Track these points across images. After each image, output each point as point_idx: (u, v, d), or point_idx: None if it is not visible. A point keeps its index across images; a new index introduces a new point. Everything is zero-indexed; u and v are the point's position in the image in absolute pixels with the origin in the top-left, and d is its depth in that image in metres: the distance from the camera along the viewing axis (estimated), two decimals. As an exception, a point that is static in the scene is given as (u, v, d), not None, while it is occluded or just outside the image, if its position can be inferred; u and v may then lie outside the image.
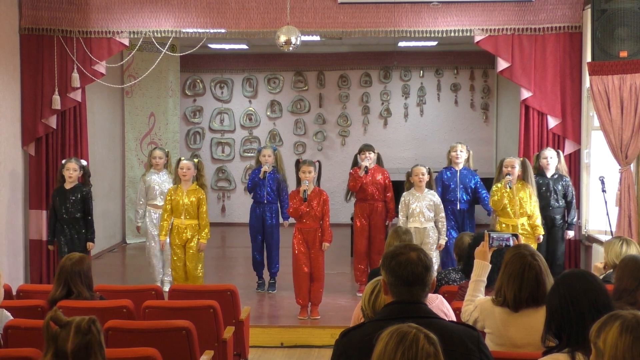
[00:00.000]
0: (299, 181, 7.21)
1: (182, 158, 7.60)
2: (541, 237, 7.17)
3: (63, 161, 7.53)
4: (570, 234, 7.59)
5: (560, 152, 7.68)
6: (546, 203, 7.39)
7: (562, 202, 7.49)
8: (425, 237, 7.27)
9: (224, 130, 13.15)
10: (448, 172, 7.82)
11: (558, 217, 7.51)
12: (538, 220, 7.16)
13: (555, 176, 7.50)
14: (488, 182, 7.96)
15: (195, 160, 7.58)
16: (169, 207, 7.41)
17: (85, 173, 7.52)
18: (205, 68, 13.03)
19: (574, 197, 7.57)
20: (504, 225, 7.17)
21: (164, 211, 7.47)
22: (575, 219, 7.59)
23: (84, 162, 7.62)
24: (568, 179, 7.56)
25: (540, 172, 7.52)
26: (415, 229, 7.14)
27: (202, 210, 7.37)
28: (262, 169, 7.89)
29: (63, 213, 7.34)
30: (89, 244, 7.44)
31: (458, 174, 7.77)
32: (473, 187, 7.79)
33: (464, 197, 7.75)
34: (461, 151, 7.80)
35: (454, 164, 7.83)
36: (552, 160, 7.49)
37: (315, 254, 7.14)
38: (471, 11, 7.94)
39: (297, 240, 7.15)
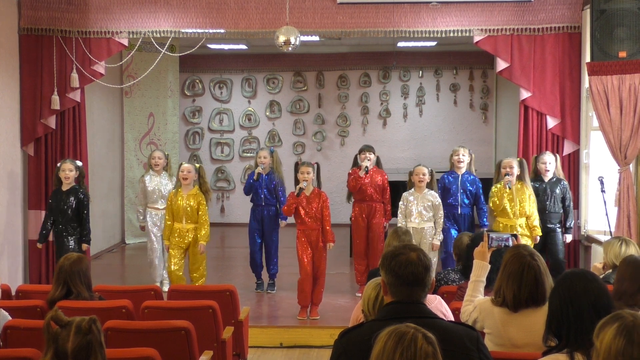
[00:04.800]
0: (297, 183, 7.21)
1: (183, 163, 7.61)
2: (538, 238, 7.17)
3: (58, 164, 7.47)
4: (569, 238, 7.56)
5: (557, 156, 7.66)
6: (543, 207, 7.34)
7: (559, 207, 7.42)
8: (423, 237, 7.27)
9: (223, 130, 13.15)
10: (450, 177, 7.74)
11: (556, 221, 7.46)
12: (536, 221, 7.15)
13: (553, 180, 7.45)
14: (487, 183, 7.95)
15: (197, 165, 7.59)
16: (170, 211, 7.42)
17: (80, 174, 7.49)
18: (205, 68, 13.03)
19: (572, 201, 7.54)
20: (501, 225, 7.18)
21: (166, 215, 7.49)
22: (572, 224, 7.56)
23: (79, 163, 7.60)
24: (566, 182, 7.53)
25: (537, 176, 7.49)
26: (413, 229, 7.14)
27: (201, 214, 7.37)
28: (256, 171, 7.92)
29: (59, 215, 7.29)
30: (84, 246, 7.36)
31: (460, 178, 7.74)
32: (474, 192, 7.74)
33: (465, 200, 7.72)
34: (463, 155, 7.71)
35: (457, 168, 7.74)
36: (551, 166, 7.43)
37: (318, 254, 7.14)
38: (470, 11, 7.94)
39: (301, 242, 7.14)
